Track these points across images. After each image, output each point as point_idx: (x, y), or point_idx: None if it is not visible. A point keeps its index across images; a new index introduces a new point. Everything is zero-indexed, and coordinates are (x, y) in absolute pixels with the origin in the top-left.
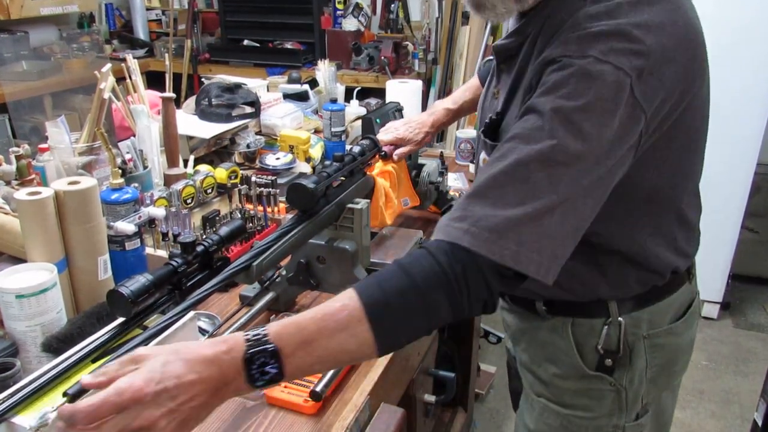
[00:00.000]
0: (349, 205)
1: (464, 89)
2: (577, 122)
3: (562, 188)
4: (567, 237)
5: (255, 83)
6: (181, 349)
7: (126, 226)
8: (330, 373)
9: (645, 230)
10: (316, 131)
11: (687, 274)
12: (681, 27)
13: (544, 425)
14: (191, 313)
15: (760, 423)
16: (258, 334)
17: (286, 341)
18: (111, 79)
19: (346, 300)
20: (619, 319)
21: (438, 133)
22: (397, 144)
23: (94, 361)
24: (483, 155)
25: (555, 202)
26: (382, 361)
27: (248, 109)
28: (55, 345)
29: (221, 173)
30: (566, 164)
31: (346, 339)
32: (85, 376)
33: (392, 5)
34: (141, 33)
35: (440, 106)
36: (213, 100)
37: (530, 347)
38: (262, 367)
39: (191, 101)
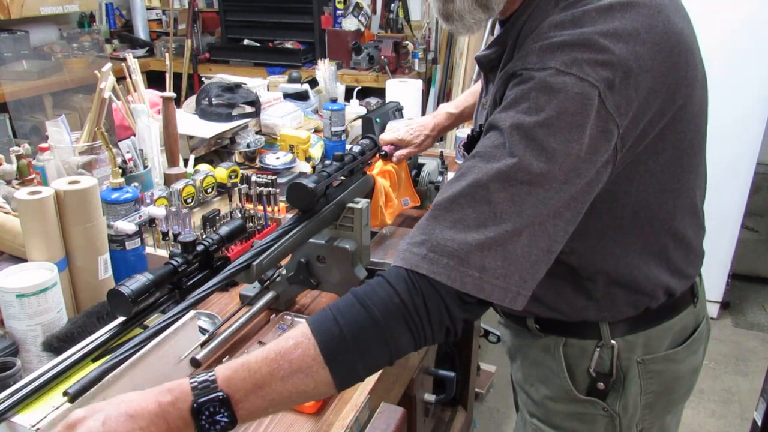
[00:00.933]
0: (349, 205)
1: (467, 94)
2: (539, 138)
3: (526, 210)
4: (537, 261)
5: (255, 83)
6: (122, 404)
7: (126, 226)
8: None
9: (632, 249)
10: (316, 131)
11: (690, 297)
12: (659, 33)
13: None
14: (191, 313)
15: (759, 422)
16: (206, 381)
17: (236, 387)
18: (111, 79)
19: (300, 337)
20: (612, 342)
21: (439, 137)
22: (396, 145)
23: (94, 360)
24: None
25: (520, 225)
26: None
27: (248, 109)
28: (55, 344)
29: (221, 173)
30: (530, 183)
31: (301, 380)
32: None
33: (392, 5)
34: (141, 32)
35: (443, 110)
36: (213, 99)
37: (523, 365)
38: (212, 416)
39: (191, 101)
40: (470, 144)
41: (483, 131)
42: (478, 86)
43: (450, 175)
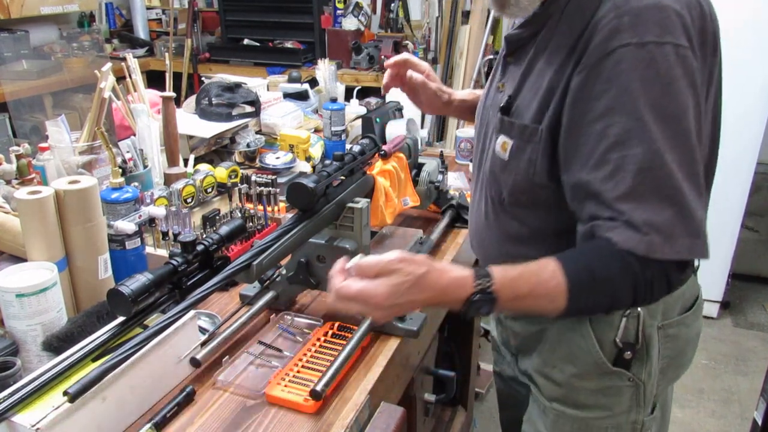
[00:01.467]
0: (349, 205)
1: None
2: (664, 107)
3: (684, 169)
4: (703, 210)
5: (255, 82)
6: (427, 277)
7: (126, 225)
8: (330, 372)
9: None
10: (316, 130)
11: (693, 266)
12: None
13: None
14: (191, 312)
15: (760, 422)
16: (485, 283)
17: (504, 295)
18: (111, 79)
19: (555, 271)
20: (638, 309)
21: (448, 107)
22: (405, 65)
23: (94, 360)
24: (502, 139)
25: (687, 186)
26: (382, 361)
27: (248, 109)
28: (55, 344)
29: (221, 172)
30: (679, 149)
31: (545, 303)
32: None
33: (392, 4)
34: (141, 32)
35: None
36: (213, 99)
37: (542, 350)
38: (478, 308)
39: (191, 100)
40: (504, 110)
41: (589, 118)
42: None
43: (450, 174)
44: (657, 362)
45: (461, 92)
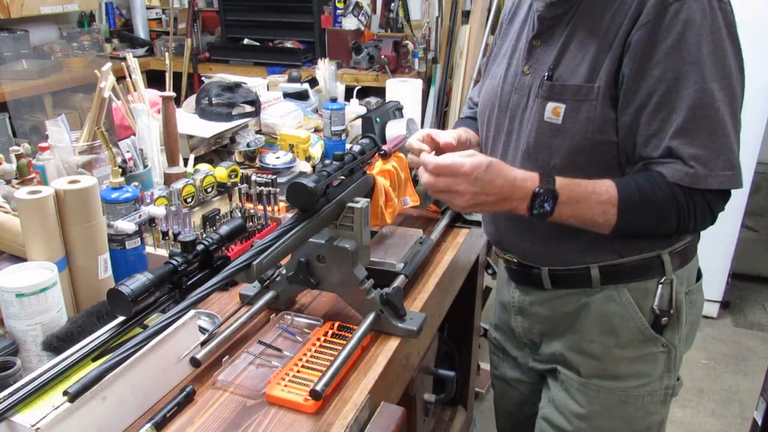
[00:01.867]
0: (349, 204)
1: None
2: (715, 51)
3: (729, 107)
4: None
5: (255, 82)
6: (497, 165)
7: (126, 225)
8: (330, 372)
9: None
10: (316, 130)
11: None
12: None
13: (600, 407)
14: (191, 312)
15: (759, 422)
16: (549, 179)
17: (564, 193)
18: (111, 78)
19: (609, 187)
20: (672, 276)
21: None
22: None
23: (94, 359)
24: (551, 105)
25: (730, 121)
26: (382, 360)
27: (248, 108)
28: (55, 344)
29: (221, 172)
30: (726, 89)
31: (598, 212)
32: (447, 137)
33: (392, 4)
34: (141, 32)
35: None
36: (213, 99)
37: (577, 329)
38: (542, 202)
39: (191, 100)
40: (549, 79)
41: (650, 70)
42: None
43: None
44: (684, 327)
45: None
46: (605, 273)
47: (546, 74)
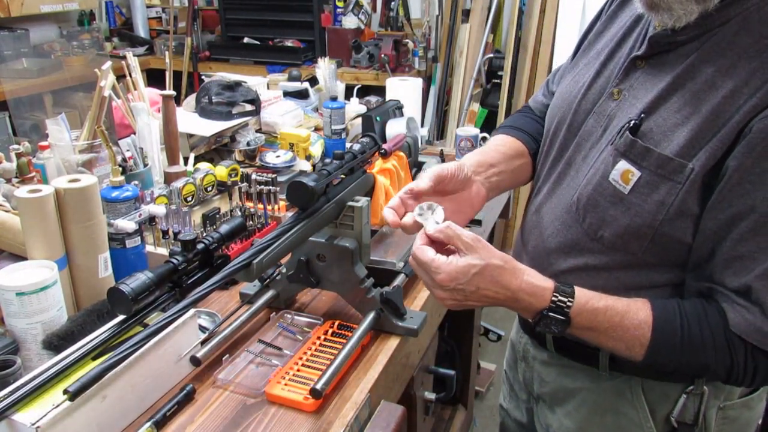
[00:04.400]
0: (350, 203)
1: (486, 152)
2: None
3: None
4: None
5: (255, 81)
6: (500, 271)
7: (126, 224)
8: (330, 370)
9: None
10: (317, 129)
11: None
12: None
13: None
14: (191, 311)
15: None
16: (563, 304)
17: (579, 321)
18: (111, 77)
19: (642, 323)
20: (705, 387)
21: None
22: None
23: (94, 358)
24: (624, 165)
25: None
26: (383, 359)
27: (248, 107)
28: (55, 342)
29: (221, 171)
30: None
31: (620, 346)
32: (431, 225)
33: (392, 3)
34: (141, 30)
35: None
36: (213, 97)
37: (580, 412)
38: (548, 325)
39: (191, 99)
40: (633, 131)
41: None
42: (495, 147)
43: None
44: None
45: (468, 158)
46: (619, 360)
47: (633, 120)
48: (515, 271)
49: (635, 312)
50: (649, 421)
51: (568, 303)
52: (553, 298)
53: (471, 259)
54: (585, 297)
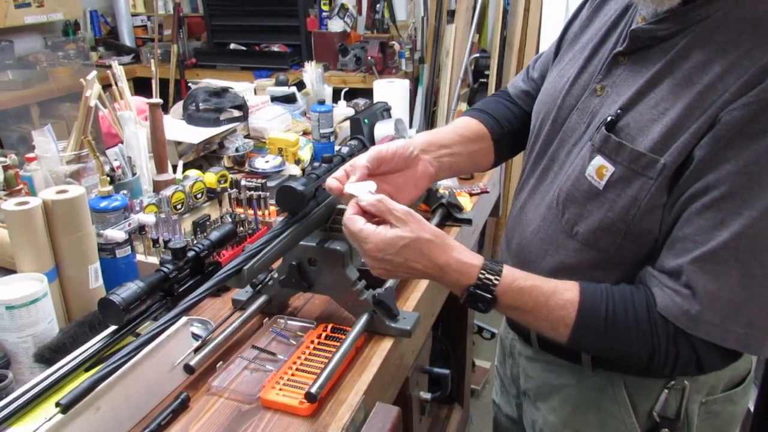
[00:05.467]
0: (339, 206)
1: (445, 132)
2: None
3: None
4: None
5: (242, 87)
6: (429, 246)
7: (116, 234)
8: (324, 374)
9: None
10: (305, 133)
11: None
12: None
13: None
14: (184, 319)
15: (752, 409)
16: (489, 282)
17: (505, 300)
18: (97, 87)
19: (568, 304)
20: (685, 382)
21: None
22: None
23: (87, 370)
24: (599, 161)
25: None
26: (377, 361)
27: (236, 113)
28: (47, 355)
29: (210, 178)
30: None
31: (545, 326)
32: (364, 195)
33: (377, 5)
34: (127, 39)
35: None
36: (200, 104)
37: (563, 409)
38: (475, 301)
39: (179, 106)
40: (610, 127)
41: (727, 157)
42: (462, 125)
43: None
44: None
45: (419, 136)
46: (599, 357)
47: (611, 116)
48: (444, 246)
49: (561, 293)
50: (632, 416)
51: (495, 281)
52: (480, 276)
53: (401, 231)
54: (512, 276)
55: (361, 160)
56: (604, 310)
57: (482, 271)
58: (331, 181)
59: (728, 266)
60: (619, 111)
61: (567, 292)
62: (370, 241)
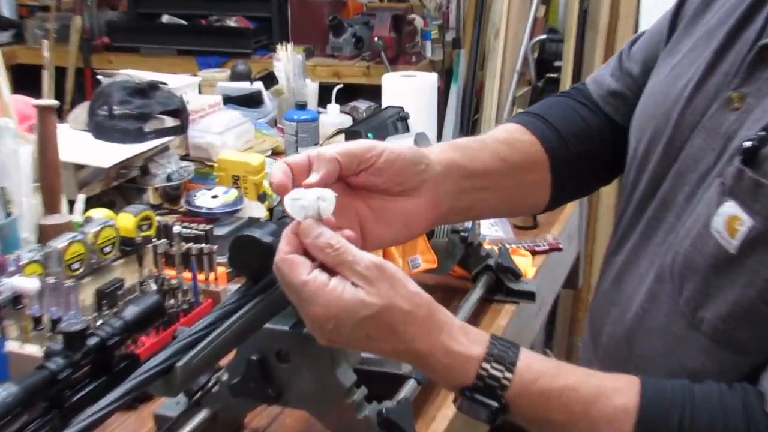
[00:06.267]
0: None
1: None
2: None
3: None
4: None
5: (180, 81)
6: (404, 322)
7: None
8: None
9: None
10: (275, 153)
11: None
12: None
13: None
14: None
15: None
16: (494, 382)
17: (520, 409)
18: None
19: (622, 410)
20: None
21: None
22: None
23: None
24: (730, 208)
25: None
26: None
27: (169, 122)
28: None
29: (127, 221)
30: None
31: None
32: (308, 223)
33: None
34: (5, 8)
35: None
36: (115, 107)
37: None
38: (476, 411)
39: (81, 110)
40: (749, 156)
41: None
42: (494, 145)
43: (484, 220)
44: None
45: (438, 149)
46: None
47: (751, 140)
48: (429, 324)
49: (609, 397)
50: None
51: (504, 379)
52: (481, 372)
53: (365, 295)
54: (534, 371)
55: (331, 151)
56: (677, 423)
57: (485, 364)
58: (278, 173)
59: None
60: (763, 133)
61: (618, 394)
62: (318, 303)
